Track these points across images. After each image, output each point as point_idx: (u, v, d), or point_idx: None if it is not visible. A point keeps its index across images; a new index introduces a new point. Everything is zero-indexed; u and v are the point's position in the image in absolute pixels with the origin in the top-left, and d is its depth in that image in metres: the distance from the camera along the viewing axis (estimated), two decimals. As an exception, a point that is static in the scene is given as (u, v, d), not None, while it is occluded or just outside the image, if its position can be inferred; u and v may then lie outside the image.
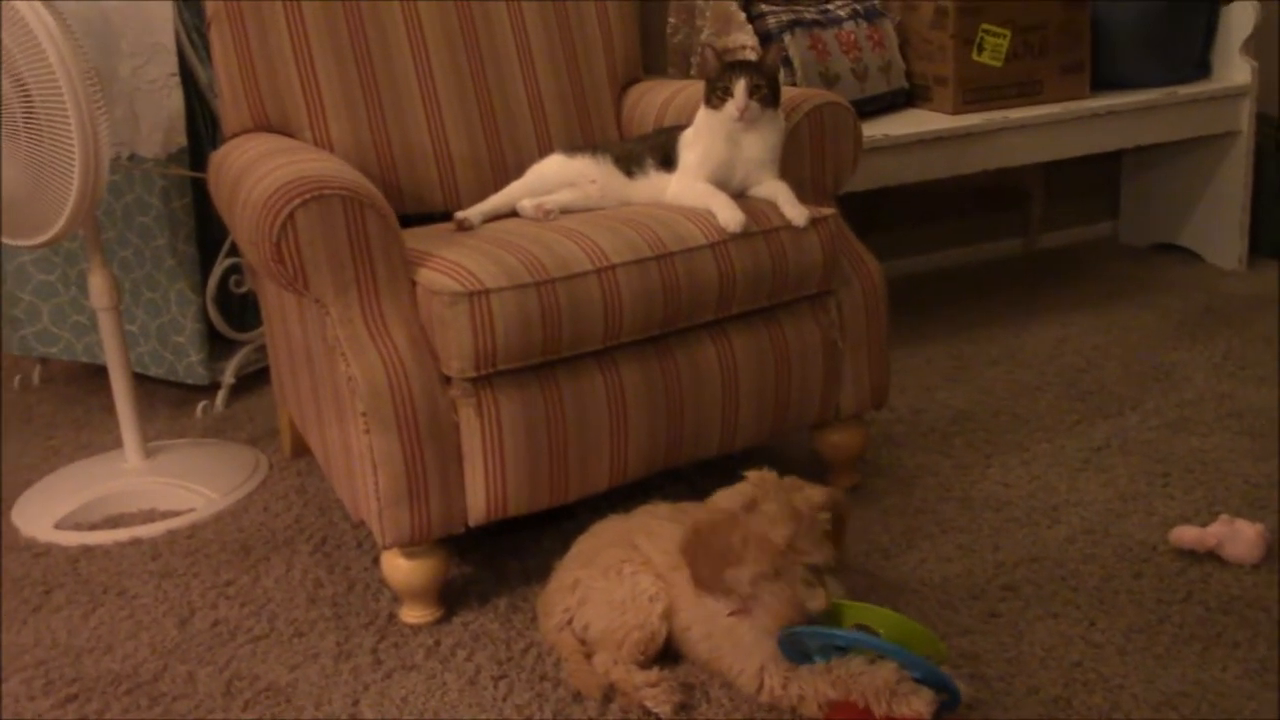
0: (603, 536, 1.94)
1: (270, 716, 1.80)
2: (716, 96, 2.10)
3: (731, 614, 1.72)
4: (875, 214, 3.57)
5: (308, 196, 1.85)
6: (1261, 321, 3.21)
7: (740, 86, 2.07)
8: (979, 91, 3.21)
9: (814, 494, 1.70)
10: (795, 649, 1.70)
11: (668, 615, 1.82)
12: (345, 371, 1.88)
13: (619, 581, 1.83)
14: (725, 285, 2.05)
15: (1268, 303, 3.34)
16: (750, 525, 1.66)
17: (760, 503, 1.67)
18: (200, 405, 2.91)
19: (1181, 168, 3.74)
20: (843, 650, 1.66)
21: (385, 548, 1.95)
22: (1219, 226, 3.68)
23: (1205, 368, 2.93)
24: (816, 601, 1.66)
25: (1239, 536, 2.05)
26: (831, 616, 1.69)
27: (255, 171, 1.97)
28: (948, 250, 3.90)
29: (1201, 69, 3.54)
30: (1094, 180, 4.00)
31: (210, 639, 2.00)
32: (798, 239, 2.12)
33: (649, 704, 1.74)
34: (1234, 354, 3.00)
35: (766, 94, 2.09)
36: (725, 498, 1.74)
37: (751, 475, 1.74)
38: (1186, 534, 2.10)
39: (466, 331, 1.86)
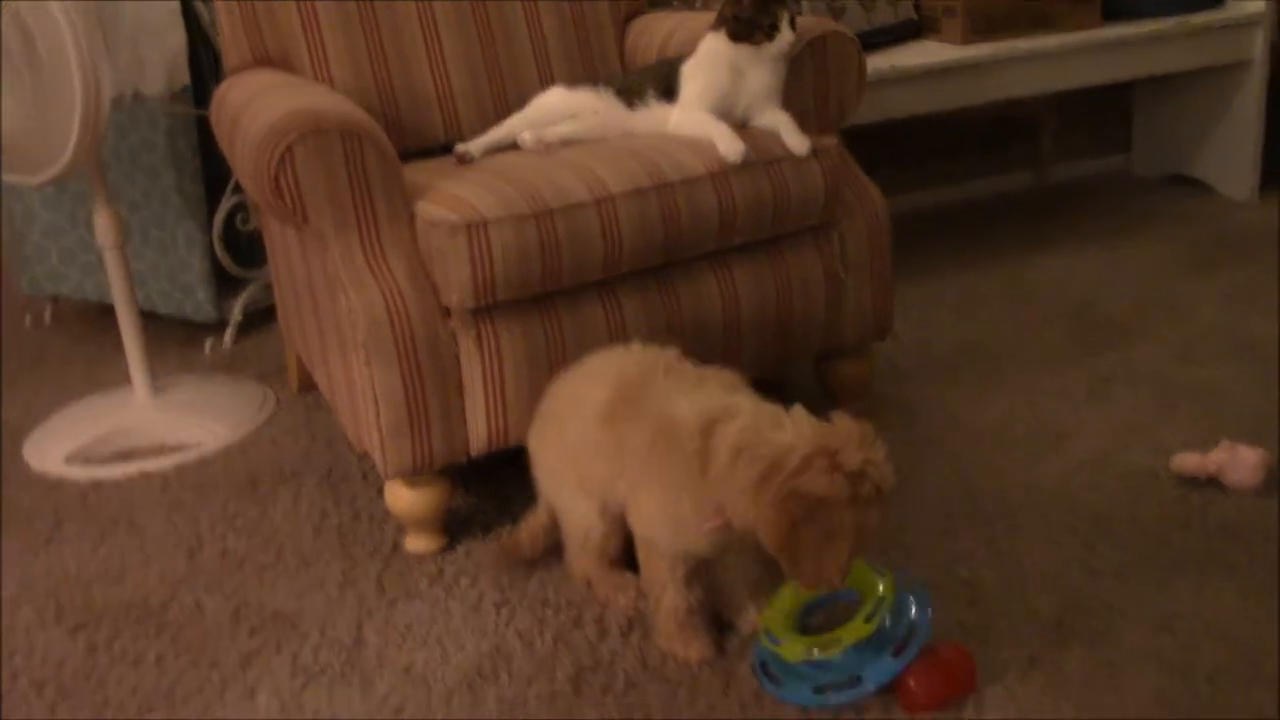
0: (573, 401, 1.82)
1: (277, 643, 1.83)
2: (762, 33, 2.09)
3: (711, 526, 1.61)
4: (884, 147, 3.55)
5: (306, 131, 1.84)
6: (1272, 253, 3.18)
7: (786, 21, 2.08)
8: (988, 21, 3.17)
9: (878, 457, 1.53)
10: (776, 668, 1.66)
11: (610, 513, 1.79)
12: (345, 304, 1.89)
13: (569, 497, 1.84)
14: (726, 216, 2.05)
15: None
16: (840, 499, 1.49)
17: (841, 452, 1.50)
18: (208, 342, 2.93)
19: (1194, 98, 3.69)
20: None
21: (388, 478, 1.97)
22: (1231, 158, 3.64)
23: (1214, 299, 2.91)
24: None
25: (1240, 462, 2.05)
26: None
27: (254, 106, 1.97)
28: (958, 184, 3.87)
29: (1215, -3, 3.49)
30: (1105, 112, 3.96)
31: (218, 569, 2.03)
32: (799, 169, 2.11)
33: (610, 603, 1.82)
34: (1243, 286, 2.99)
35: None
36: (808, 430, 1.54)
37: (840, 421, 1.56)
38: (1188, 461, 2.10)
39: (465, 263, 1.86)
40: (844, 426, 1.54)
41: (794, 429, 1.54)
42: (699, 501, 1.60)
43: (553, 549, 1.95)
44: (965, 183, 3.89)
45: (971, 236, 3.46)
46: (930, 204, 3.79)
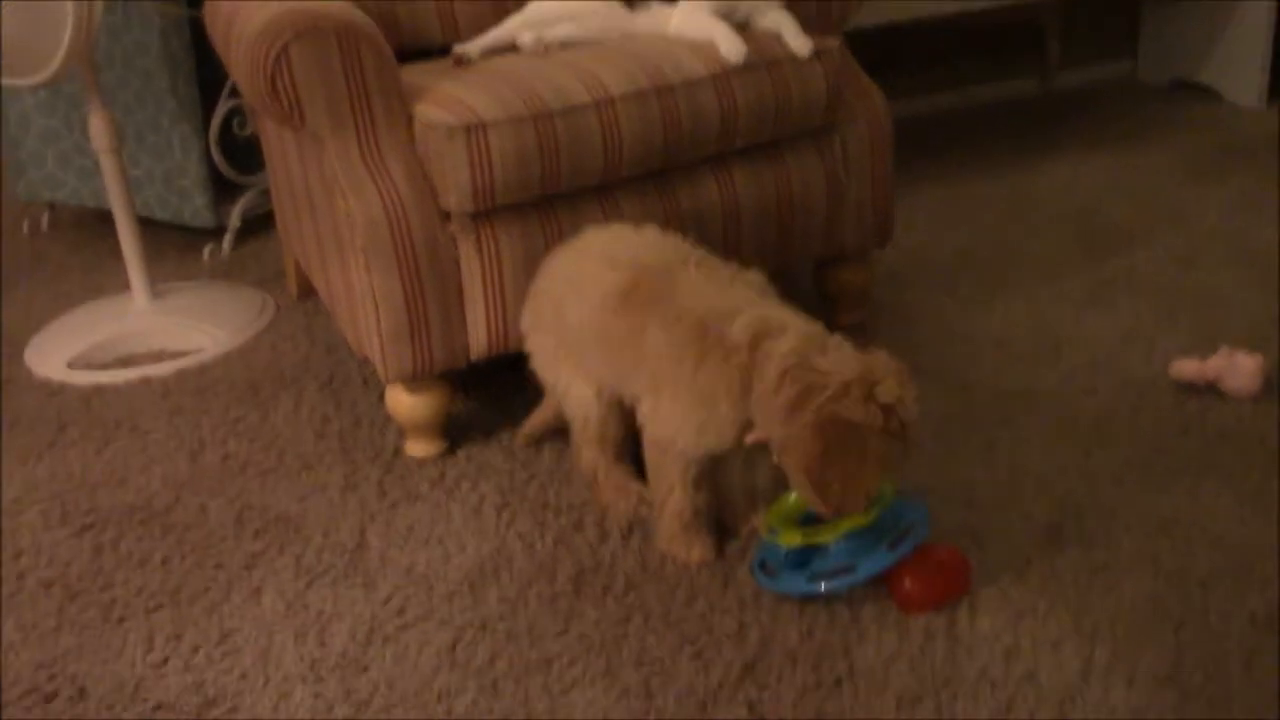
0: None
1: (280, 545, 1.85)
2: None
3: (753, 439, 1.63)
4: (889, 53, 3.50)
5: (302, 30, 1.82)
6: (1278, 160, 3.16)
7: None
8: (995, -78, 3.12)
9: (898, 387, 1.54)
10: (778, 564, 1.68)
11: (607, 399, 1.80)
12: (344, 208, 1.88)
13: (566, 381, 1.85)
14: (727, 118, 2.03)
15: (1286, 141, 3.29)
16: (874, 428, 1.51)
17: (880, 383, 1.52)
18: (207, 248, 2.92)
19: (1202, 3, 3.63)
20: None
21: (388, 382, 1.97)
22: (1240, 63, 3.59)
23: (1218, 206, 2.90)
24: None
25: (1238, 369, 2.06)
26: None
27: (249, 6, 1.94)
28: (963, 90, 3.82)
29: (1227, -105, 3.42)
30: (1112, 17, 3.90)
31: (221, 472, 2.05)
32: (801, 71, 2.08)
33: (609, 509, 1.84)
34: (1248, 192, 2.97)
35: None
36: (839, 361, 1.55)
37: (879, 355, 1.57)
38: (1186, 367, 2.11)
39: (464, 166, 1.85)
40: (883, 360, 1.56)
41: (836, 355, 1.55)
42: (735, 414, 1.61)
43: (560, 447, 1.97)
44: (970, 89, 3.84)
45: (975, 143, 3.43)
46: (934, 111, 3.75)
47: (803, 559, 1.66)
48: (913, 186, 3.08)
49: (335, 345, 2.44)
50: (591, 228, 1.86)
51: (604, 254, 1.76)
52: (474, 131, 1.85)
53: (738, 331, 1.59)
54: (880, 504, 1.62)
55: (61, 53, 2.23)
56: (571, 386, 1.83)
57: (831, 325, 2.38)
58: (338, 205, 1.90)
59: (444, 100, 1.89)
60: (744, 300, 1.64)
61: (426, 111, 1.88)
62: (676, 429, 1.66)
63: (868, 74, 2.30)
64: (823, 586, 1.62)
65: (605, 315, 1.71)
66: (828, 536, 1.62)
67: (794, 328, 1.59)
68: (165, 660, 1.63)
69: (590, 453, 1.87)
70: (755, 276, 1.72)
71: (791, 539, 1.64)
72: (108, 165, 2.47)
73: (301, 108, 1.86)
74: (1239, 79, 3.60)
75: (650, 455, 1.75)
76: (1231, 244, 2.68)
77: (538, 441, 2.04)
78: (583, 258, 1.79)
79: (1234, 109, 3.58)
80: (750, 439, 1.63)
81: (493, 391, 2.22)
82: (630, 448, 1.86)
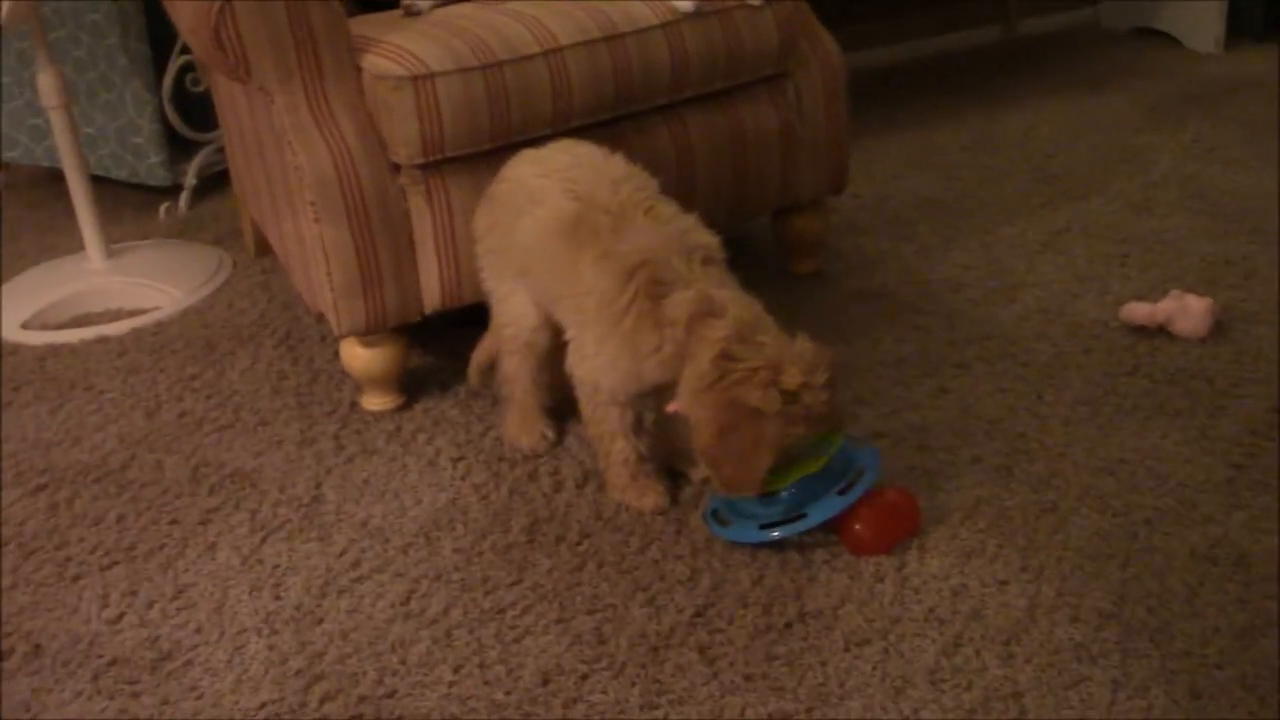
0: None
1: (236, 500, 1.85)
2: None
3: (673, 409, 1.66)
4: (854, 1, 3.49)
5: (245, -20, 1.80)
6: (1234, 104, 3.17)
7: None
8: None
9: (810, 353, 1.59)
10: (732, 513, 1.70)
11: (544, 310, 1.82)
12: (293, 161, 1.87)
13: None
14: (678, 67, 2.02)
15: (1242, 86, 3.30)
16: (770, 413, 1.55)
17: (786, 370, 1.55)
18: (163, 207, 2.90)
19: (1163, -53, 3.64)
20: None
21: (341, 336, 1.97)
22: (1197, 9, 3.59)
23: (1173, 150, 2.91)
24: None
25: (1188, 311, 2.07)
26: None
27: (192, -43, 1.92)
28: (926, 39, 3.82)
29: None
30: (1074, -37, 3.90)
31: (177, 429, 2.04)
32: (753, 18, 2.07)
33: (511, 444, 1.91)
34: (1204, 137, 2.98)
35: None
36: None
37: (801, 342, 1.60)
38: (1137, 310, 2.12)
39: (412, 117, 1.84)
40: (801, 348, 1.58)
41: (761, 341, 1.57)
42: (659, 375, 1.64)
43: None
44: (934, 37, 3.83)
45: (937, 92, 3.43)
46: (898, 60, 3.74)
47: (754, 507, 1.67)
48: (874, 136, 3.08)
49: (292, 302, 2.43)
50: (563, 141, 1.84)
51: (565, 175, 1.74)
52: (422, 82, 1.84)
53: (677, 306, 1.60)
54: (829, 449, 1.63)
55: (5, 5, 2.21)
56: (513, 295, 1.84)
57: (789, 273, 2.41)
58: (287, 158, 1.88)
59: (392, 52, 1.88)
60: (683, 260, 1.63)
61: (374, 63, 1.87)
62: (601, 370, 1.68)
63: (830, 23, 2.29)
64: (774, 534, 1.64)
65: (552, 241, 1.71)
66: (779, 484, 1.64)
67: (732, 311, 1.59)
68: (120, 616, 1.63)
69: (512, 362, 1.89)
70: (708, 239, 1.70)
71: None
72: (58, 122, 2.45)
73: (248, 60, 1.84)
74: (1197, 25, 3.61)
75: (584, 402, 1.76)
76: (1185, 189, 2.69)
77: (488, 372, 2.02)
78: (547, 173, 1.76)
79: (1192, 55, 3.59)
80: (670, 409, 1.66)
81: (449, 344, 2.21)
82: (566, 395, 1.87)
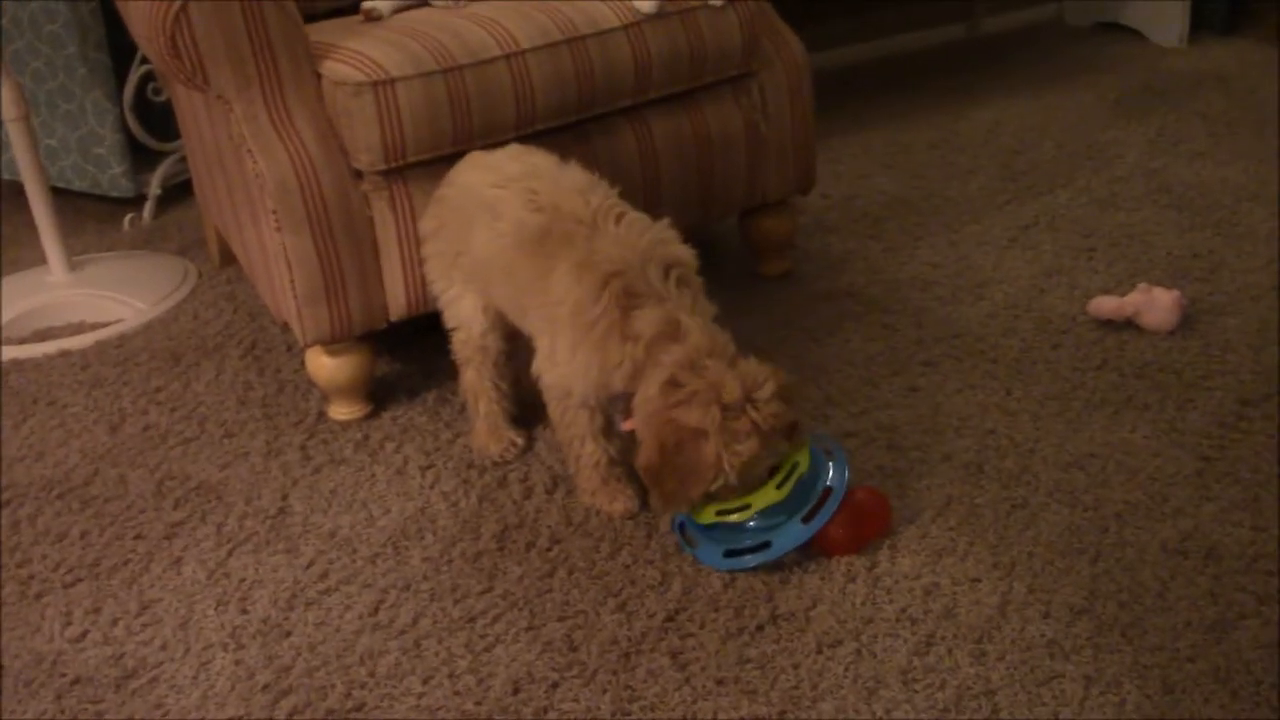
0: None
1: (202, 513, 1.83)
2: None
3: (628, 428, 1.66)
4: (817, 1, 3.49)
5: (201, -13, 1.78)
6: (1198, 98, 3.19)
7: None
8: None
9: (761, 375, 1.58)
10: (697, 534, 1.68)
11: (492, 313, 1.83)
12: (253, 169, 1.85)
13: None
14: (641, 68, 2.01)
15: (1206, 80, 3.31)
16: (709, 431, 1.54)
17: (726, 387, 1.54)
18: (127, 218, 2.87)
19: (1125, -57, 3.65)
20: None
21: (306, 346, 1.95)
22: (1161, 4, 3.61)
23: (1139, 145, 2.92)
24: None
25: (1156, 304, 2.08)
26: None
27: (147, -35, 1.90)
28: (890, 37, 3.82)
29: None
30: (1038, -41, 3.91)
31: (141, 443, 2.02)
32: (715, 19, 2.07)
33: (477, 450, 1.91)
34: (1168, 130, 2.99)
35: None
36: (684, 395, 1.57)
37: (749, 364, 1.59)
38: (1105, 304, 2.12)
39: (373, 122, 1.82)
40: (745, 367, 1.57)
41: (714, 367, 1.55)
42: (621, 386, 1.63)
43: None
44: (898, 35, 3.84)
45: (903, 90, 3.43)
46: (862, 59, 3.74)
47: (721, 533, 1.66)
48: (841, 135, 3.08)
49: (257, 313, 2.40)
50: (513, 147, 1.82)
51: (526, 189, 1.71)
52: (382, 88, 1.82)
53: (643, 323, 1.58)
54: (793, 476, 1.61)
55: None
56: (462, 298, 1.84)
57: (757, 274, 2.41)
58: (247, 167, 1.87)
59: (351, 57, 1.86)
60: (658, 274, 1.61)
61: (334, 69, 1.85)
62: (573, 376, 1.66)
63: (795, 22, 2.29)
64: (738, 563, 1.62)
65: (516, 254, 1.68)
66: (741, 517, 1.62)
67: (693, 339, 1.58)
68: (84, 634, 1.61)
69: (470, 373, 1.88)
70: (684, 253, 1.67)
71: (705, 516, 1.64)
72: (16, 134, 2.42)
73: (205, 68, 1.82)
74: (1161, 20, 3.63)
75: (552, 408, 1.74)
76: (1151, 183, 2.70)
77: None
78: (502, 182, 1.73)
79: (1156, 49, 3.60)
80: (625, 427, 1.67)
81: (416, 352, 2.20)
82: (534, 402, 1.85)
